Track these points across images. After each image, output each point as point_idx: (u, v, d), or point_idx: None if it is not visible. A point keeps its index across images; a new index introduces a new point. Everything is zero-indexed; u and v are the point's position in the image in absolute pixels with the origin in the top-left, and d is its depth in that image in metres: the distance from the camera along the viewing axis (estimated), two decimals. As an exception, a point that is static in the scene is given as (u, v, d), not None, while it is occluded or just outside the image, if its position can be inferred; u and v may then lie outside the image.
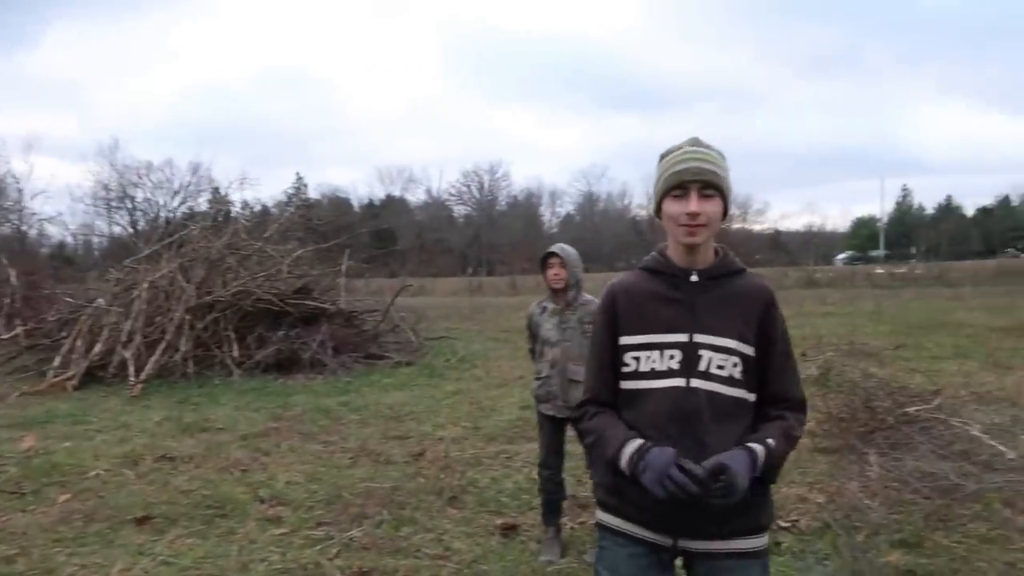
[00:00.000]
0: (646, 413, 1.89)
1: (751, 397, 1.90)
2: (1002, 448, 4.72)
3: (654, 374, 1.90)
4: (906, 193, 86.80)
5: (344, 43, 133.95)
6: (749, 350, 1.88)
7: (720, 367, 1.86)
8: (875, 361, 8.58)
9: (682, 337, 1.88)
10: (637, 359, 1.92)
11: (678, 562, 1.98)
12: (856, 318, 16.68)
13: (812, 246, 44.21)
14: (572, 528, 4.54)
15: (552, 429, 4.15)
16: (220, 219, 14.11)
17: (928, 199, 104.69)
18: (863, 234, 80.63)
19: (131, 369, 9.88)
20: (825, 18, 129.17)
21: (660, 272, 1.97)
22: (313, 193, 70.97)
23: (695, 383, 1.86)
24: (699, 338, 1.87)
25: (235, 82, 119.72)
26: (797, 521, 4.46)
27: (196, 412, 8.24)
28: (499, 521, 4.57)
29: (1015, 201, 77.26)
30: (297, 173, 68.86)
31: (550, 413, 4.08)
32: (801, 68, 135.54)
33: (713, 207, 1.86)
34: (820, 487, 4.96)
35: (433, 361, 11.94)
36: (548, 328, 4.07)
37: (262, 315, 11.63)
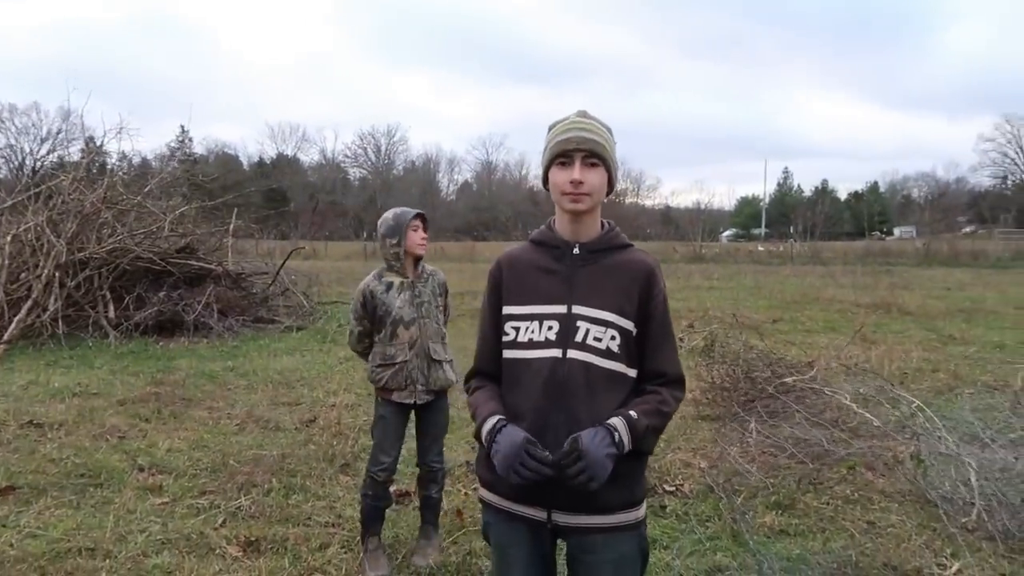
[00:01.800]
0: (523, 384, 1.90)
1: (630, 372, 1.90)
2: (868, 416, 5.07)
3: (532, 344, 1.90)
4: (787, 175, 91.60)
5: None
6: (628, 324, 1.88)
7: (597, 339, 1.86)
8: (755, 334, 9.00)
9: (560, 308, 1.90)
10: (517, 329, 1.94)
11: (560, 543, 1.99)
12: (738, 292, 17.49)
13: (700, 222, 45.89)
14: (466, 494, 4.56)
15: (400, 420, 3.62)
16: (94, 170, 13.11)
17: (806, 181, 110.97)
18: (747, 212, 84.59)
19: (-8, 329, 9.14)
20: (714, 2, 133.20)
21: (545, 244, 1.99)
22: (199, 148, 67.57)
23: (571, 354, 1.86)
24: (577, 309, 1.88)
25: (102, 22, 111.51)
26: (682, 485, 4.65)
27: (66, 376, 7.73)
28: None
29: (883, 188, 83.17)
30: (181, 126, 64.96)
31: (407, 401, 3.55)
32: (690, 50, 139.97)
33: (597, 177, 1.88)
34: (703, 453, 5.19)
35: (325, 326, 11.66)
36: (399, 305, 3.54)
37: (141, 275, 10.99)
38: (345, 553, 3.75)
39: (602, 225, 1.99)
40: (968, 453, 4.45)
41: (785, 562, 3.67)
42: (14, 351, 8.94)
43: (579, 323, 1.88)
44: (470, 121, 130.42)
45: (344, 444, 5.42)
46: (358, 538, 3.77)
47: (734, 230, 77.31)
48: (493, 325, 2.01)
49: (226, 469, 4.91)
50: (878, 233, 66.36)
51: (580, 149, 1.86)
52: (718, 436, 5.47)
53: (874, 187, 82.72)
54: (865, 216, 54.89)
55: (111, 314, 10.27)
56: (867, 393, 6.40)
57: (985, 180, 70.65)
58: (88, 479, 4.71)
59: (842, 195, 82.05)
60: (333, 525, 4.09)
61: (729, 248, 42.74)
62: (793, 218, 50.63)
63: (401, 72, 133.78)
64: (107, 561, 3.61)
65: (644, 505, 1.95)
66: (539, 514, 1.90)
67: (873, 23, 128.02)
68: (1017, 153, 67.33)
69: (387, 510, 3.82)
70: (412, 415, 3.68)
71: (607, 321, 1.88)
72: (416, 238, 3.57)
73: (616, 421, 1.80)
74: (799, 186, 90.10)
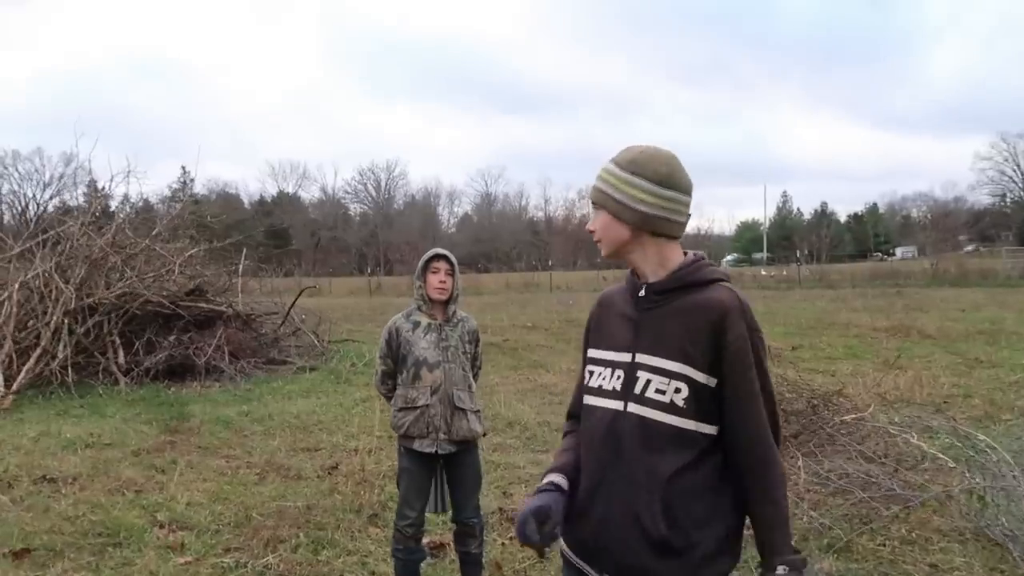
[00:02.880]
0: (589, 433, 1.80)
1: (704, 429, 1.67)
2: (933, 452, 4.86)
3: (600, 392, 1.78)
4: (786, 199, 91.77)
5: (217, 33, 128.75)
6: (698, 375, 1.65)
7: (660, 392, 1.67)
8: (776, 362, 8.83)
9: (626, 357, 1.75)
10: (592, 373, 1.83)
11: None
12: (751, 319, 17.29)
13: (701, 249, 45.77)
14: (503, 544, 4.35)
15: (424, 472, 3.43)
16: (99, 214, 13.02)
17: (805, 204, 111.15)
18: (747, 237, 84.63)
19: (0, 379, 8.96)
20: (697, 30, 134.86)
21: (627, 285, 1.88)
22: (200, 188, 67.79)
23: (631, 407, 1.71)
24: (640, 358, 1.72)
25: (97, 70, 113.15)
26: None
27: (78, 426, 7.53)
28: (426, 540, 4.31)
29: (882, 209, 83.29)
30: (183, 167, 65.27)
31: (429, 450, 3.36)
32: (677, 76, 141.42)
33: (598, 222, 1.83)
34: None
35: (338, 366, 11.48)
36: (424, 347, 3.39)
37: (151, 319, 10.84)
38: (383, 614, 3.55)
39: (684, 260, 1.80)
40: (1029, 487, 4.24)
41: (851, 613, 3.47)
42: (23, 400, 8.76)
43: (639, 373, 1.71)
44: (468, 154, 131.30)
45: (370, 493, 5.21)
46: (395, 597, 3.57)
47: (735, 255, 77.32)
48: (582, 366, 1.92)
49: (249, 523, 4.71)
50: (880, 254, 66.34)
51: (592, 201, 1.85)
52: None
53: (873, 208, 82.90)
54: (871, 237, 54.79)
55: (121, 360, 10.10)
56: (905, 424, 6.21)
57: (984, 199, 70.73)
58: (106, 538, 4.51)
59: (842, 217, 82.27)
60: (367, 583, 3.88)
61: (733, 274, 42.59)
62: (796, 242, 50.61)
63: (394, 106, 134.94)
64: (132, 630, 3.40)
65: None
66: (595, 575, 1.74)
67: (855, 45, 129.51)
68: (1015, 171, 67.44)
69: (423, 563, 3.63)
70: (440, 467, 3.49)
71: (671, 371, 1.67)
72: (433, 281, 3.40)
73: None
74: (798, 209, 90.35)
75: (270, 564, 4.09)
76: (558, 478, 1.83)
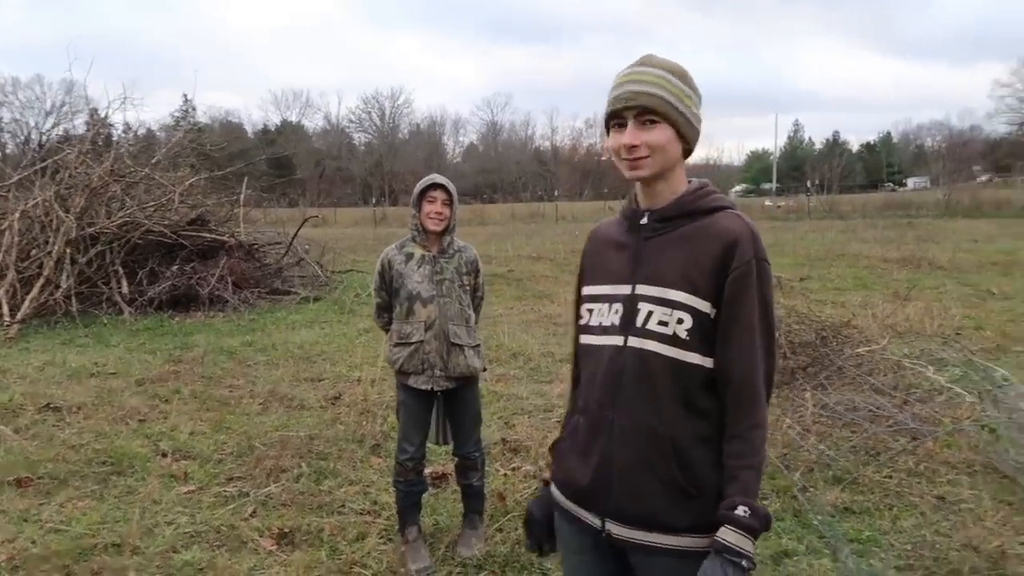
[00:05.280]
0: (590, 374, 1.69)
1: (706, 362, 1.55)
2: (948, 383, 4.79)
3: (600, 329, 1.66)
4: (797, 128, 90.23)
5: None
6: (703, 305, 1.54)
7: (662, 323, 1.55)
8: (785, 294, 8.71)
9: (625, 289, 1.62)
10: (590, 311, 1.70)
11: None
12: (759, 250, 17.08)
13: (711, 179, 45.16)
14: (505, 475, 4.33)
15: (421, 407, 3.35)
16: (100, 143, 12.78)
17: (817, 134, 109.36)
18: (757, 167, 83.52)
19: (4, 309, 8.94)
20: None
21: (624, 215, 1.73)
22: (202, 117, 66.77)
23: (632, 342, 1.58)
24: (641, 289, 1.60)
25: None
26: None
27: (83, 355, 7.53)
28: (428, 471, 4.29)
29: (896, 138, 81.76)
30: (184, 95, 63.98)
31: (424, 387, 3.27)
32: (687, 4, 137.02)
33: (657, 136, 1.56)
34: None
35: (343, 296, 11.42)
36: (417, 280, 3.26)
37: (153, 249, 10.76)
38: (384, 544, 3.54)
39: (689, 186, 1.66)
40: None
41: (856, 544, 3.44)
42: (28, 330, 8.75)
43: (641, 304, 1.58)
44: (473, 82, 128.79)
45: (372, 423, 5.19)
46: (396, 527, 3.55)
47: (745, 185, 76.38)
48: (576, 308, 1.79)
49: (252, 453, 4.70)
50: (892, 184, 65.38)
51: (630, 107, 1.56)
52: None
53: (887, 138, 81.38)
54: (883, 167, 53.86)
55: (124, 290, 10.06)
56: (914, 355, 6.13)
57: (1002, 127, 69.12)
58: (110, 467, 4.51)
59: (854, 147, 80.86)
60: (369, 513, 3.87)
61: (743, 204, 42.11)
62: (807, 172, 49.85)
63: (398, 34, 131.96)
64: (135, 558, 3.41)
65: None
66: (594, 520, 1.64)
67: None
68: (1035, 99, 65.67)
69: (425, 495, 3.60)
70: (439, 402, 3.41)
71: (674, 301, 1.55)
72: (429, 211, 3.23)
73: (731, 537, 1.47)
74: (810, 139, 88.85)
75: (272, 493, 4.09)
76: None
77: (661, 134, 1.57)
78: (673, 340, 1.55)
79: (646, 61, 1.62)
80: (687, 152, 1.65)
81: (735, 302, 1.54)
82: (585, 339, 1.71)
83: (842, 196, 39.23)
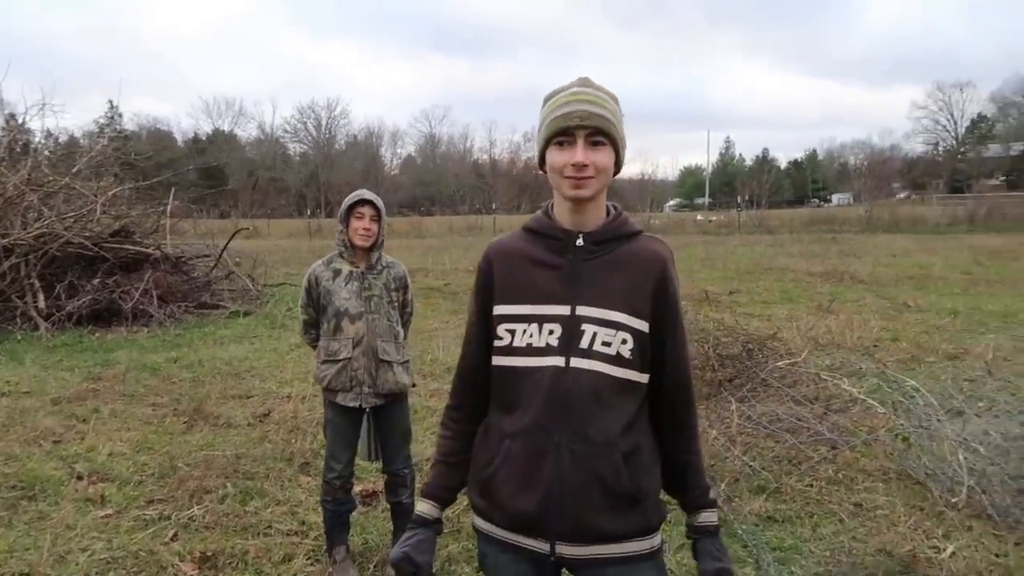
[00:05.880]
0: (521, 397, 1.65)
1: (643, 378, 1.66)
2: (862, 396, 4.96)
3: (531, 350, 1.64)
4: (728, 145, 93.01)
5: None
6: (643, 325, 1.63)
7: (606, 344, 1.61)
8: (713, 307, 8.94)
9: (563, 309, 1.63)
10: (512, 332, 1.67)
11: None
12: (691, 264, 17.48)
13: (646, 194, 46.31)
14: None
15: (349, 424, 3.30)
16: (17, 150, 12.26)
17: (747, 151, 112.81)
18: (690, 183, 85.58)
19: (-92, 324, 8.46)
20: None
21: (543, 234, 1.70)
22: (129, 124, 64.76)
23: (575, 362, 1.61)
24: (582, 310, 1.63)
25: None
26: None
27: (-6, 373, 7.17)
28: (358, 488, 4.23)
29: (821, 156, 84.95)
30: (110, 101, 62.03)
31: (352, 404, 3.24)
32: (615, 19, 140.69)
33: (604, 157, 1.61)
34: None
35: (274, 310, 11.19)
36: (345, 297, 3.23)
37: (73, 261, 10.33)
38: (311, 565, 3.47)
39: (608, 211, 1.71)
40: (951, 427, 4.37)
41: (778, 552, 3.53)
42: (-66, 347, 8.29)
43: (584, 326, 1.61)
44: (411, 93, 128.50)
45: (302, 441, 5.09)
46: (324, 548, 3.49)
47: (679, 200, 78.14)
48: (481, 329, 1.74)
49: (175, 474, 4.54)
50: (817, 200, 67.87)
51: (584, 126, 1.58)
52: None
53: (812, 155, 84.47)
54: (809, 183, 55.93)
55: (41, 304, 9.62)
56: (835, 366, 6.35)
57: (918, 147, 72.70)
58: (20, 491, 4.29)
59: (782, 163, 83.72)
60: (296, 533, 3.78)
61: (676, 219, 43.06)
62: (738, 187, 51.32)
63: (334, 43, 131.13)
64: (45, 588, 3.25)
65: (660, 532, 1.71)
66: (541, 546, 1.64)
67: None
68: (948, 120, 69.37)
69: (354, 513, 3.55)
70: (368, 418, 3.36)
71: (618, 323, 1.61)
72: (357, 227, 3.20)
73: (714, 517, 1.75)
74: (740, 155, 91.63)
75: (195, 516, 3.96)
76: (428, 508, 1.78)
77: (607, 156, 1.61)
78: (617, 360, 1.61)
79: (589, 83, 1.66)
80: (614, 175, 1.70)
81: (670, 320, 1.67)
82: (508, 360, 1.68)
83: (771, 211, 40.56)
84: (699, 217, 41.55)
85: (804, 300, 11.05)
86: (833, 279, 13.55)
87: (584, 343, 1.61)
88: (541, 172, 1.70)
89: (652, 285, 1.64)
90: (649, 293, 1.64)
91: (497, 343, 1.70)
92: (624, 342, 1.61)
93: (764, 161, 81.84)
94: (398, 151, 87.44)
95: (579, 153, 1.58)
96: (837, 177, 76.95)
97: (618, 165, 1.67)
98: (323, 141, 78.57)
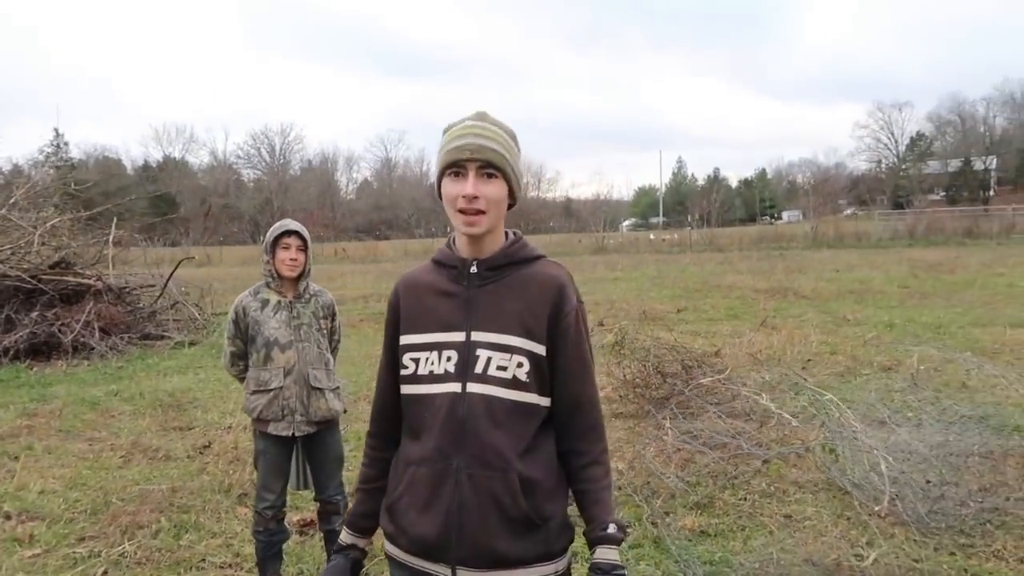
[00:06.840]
0: (424, 424, 1.68)
1: (543, 401, 1.67)
2: (780, 412, 5.10)
3: (432, 378, 1.68)
4: (681, 165, 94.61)
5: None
6: (538, 348, 1.65)
7: (501, 368, 1.64)
8: (662, 325, 9.09)
9: (458, 336, 1.67)
10: (416, 361, 1.71)
11: None
12: (642, 283, 17.71)
13: (601, 213, 46.86)
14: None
15: (281, 454, 3.30)
16: (-47, 181, 11.99)
17: (699, 170, 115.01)
18: (644, 202, 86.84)
19: None
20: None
21: (445, 264, 1.76)
22: (76, 153, 63.52)
23: (471, 387, 1.64)
24: (476, 336, 1.66)
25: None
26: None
27: (-78, 412, 6.94)
28: (295, 518, 4.21)
29: (770, 174, 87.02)
30: (55, 129, 60.75)
31: (285, 433, 3.23)
32: (563, 42, 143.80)
33: (494, 190, 1.64)
34: (619, 455, 5.10)
35: (220, 339, 10.95)
36: (274, 326, 3.24)
37: (10, 294, 10.07)
38: (244, 598, 3.43)
39: (507, 236, 1.76)
40: (875, 438, 4.51)
41: (709, 566, 3.60)
42: None
43: (479, 351, 1.65)
44: (366, 118, 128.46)
45: (242, 472, 5.03)
46: (258, 579, 3.46)
47: (633, 220, 79.15)
48: (390, 359, 1.77)
49: (108, 509, 4.46)
50: (768, 218, 69.39)
51: (474, 159, 1.63)
52: (632, 436, 5.40)
53: (762, 174, 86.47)
54: (758, 202, 57.20)
55: (-24, 339, 9.36)
56: (774, 382, 6.51)
57: (862, 164, 74.85)
58: (-56, 534, 4.17)
59: (733, 182, 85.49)
60: (231, 566, 3.75)
61: (630, 238, 43.61)
62: (689, 206, 52.23)
63: (287, 67, 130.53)
64: (-36, 633, 3.16)
65: (567, 556, 1.72)
66: (443, 571, 1.66)
67: (731, 14, 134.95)
68: (889, 138, 71.58)
69: (289, 543, 3.53)
70: (298, 447, 3.37)
71: (511, 346, 1.64)
72: (284, 257, 3.23)
73: (610, 554, 1.62)
74: (692, 175, 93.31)
75: (126, 552, 3.90)
76: (345, 535, 1.83)
77: (498, 188, 1.65)
78: (513, 383, 1.63)
79: (484, 118, 1.70)
80: (510, 207, 1.74)
81: (571, 343, 1.67)
82: (412, 389, 1.71)
83: (722, 229, 41.31)
84: (652, 236, 42.15)
85: (748, 317, 11.28)
86: (778, 295, 13.86)
87: (479, 368, 1.64)
88: (440, 200, 1.74)
89: (548, 309, 1.66)
90: (545, 316, 1.66)
91: (403, 372, 1.73)
92: (520, 365, 1.64)
93: (715, 180, 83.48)
94: (354, 175, 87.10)
95: (470, 185, 1.62)
96: (786, 195, 78.86)
97: (513, 197, 1.72)
98: (277, 167, 77.81)
